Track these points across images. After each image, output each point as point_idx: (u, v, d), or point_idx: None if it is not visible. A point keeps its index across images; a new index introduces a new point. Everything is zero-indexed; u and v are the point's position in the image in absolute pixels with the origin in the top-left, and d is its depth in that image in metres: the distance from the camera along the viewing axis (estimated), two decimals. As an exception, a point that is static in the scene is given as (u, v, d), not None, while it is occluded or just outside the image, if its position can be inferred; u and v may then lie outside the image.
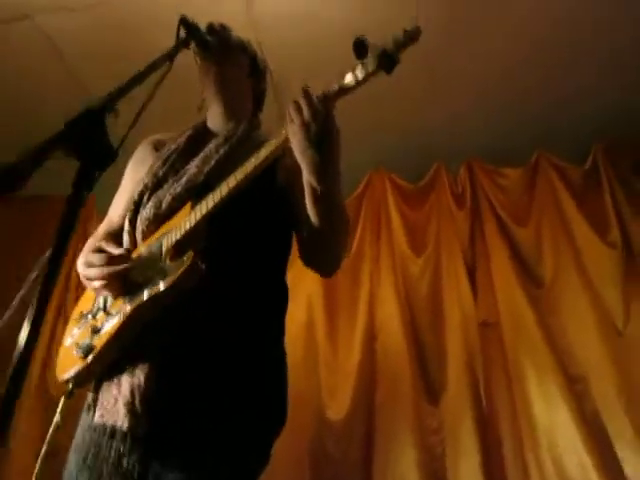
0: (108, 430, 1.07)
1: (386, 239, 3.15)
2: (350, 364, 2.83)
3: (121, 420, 1.05)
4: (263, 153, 1.10)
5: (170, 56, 1.07)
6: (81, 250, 1.26)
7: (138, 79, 0.92)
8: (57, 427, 1.11)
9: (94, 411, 1.09)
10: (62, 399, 1.12)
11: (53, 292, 0.64)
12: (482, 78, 2.86)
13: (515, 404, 2.57)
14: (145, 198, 1.24)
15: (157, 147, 1.41)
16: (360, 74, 1.02)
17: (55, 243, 0.63)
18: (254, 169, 1.10)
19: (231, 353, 1.12)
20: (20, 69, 2.86)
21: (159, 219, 1.20)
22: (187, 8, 2.46)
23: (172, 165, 1.29)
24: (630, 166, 3.03)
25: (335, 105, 1.08)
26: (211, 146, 1.30)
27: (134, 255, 1.19)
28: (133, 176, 1.38)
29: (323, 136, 1.04)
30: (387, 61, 0.99)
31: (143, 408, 1.05)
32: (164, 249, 1.13)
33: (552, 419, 2.48)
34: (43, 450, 1.11)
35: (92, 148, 0.68)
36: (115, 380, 1.10)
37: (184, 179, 1.23)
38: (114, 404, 1.07)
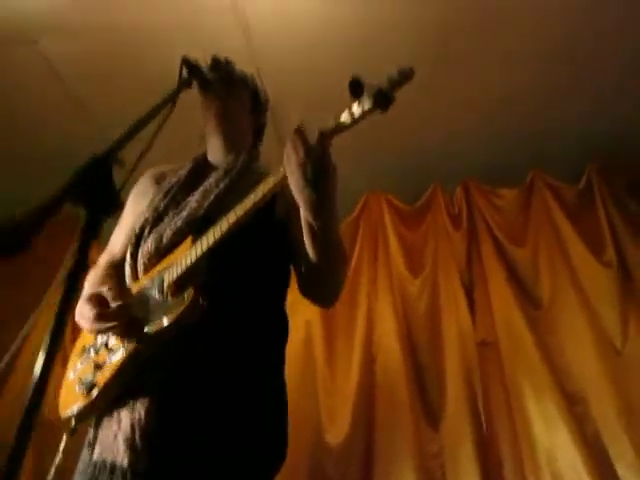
0: (108, 466, 1.06)
1: (383, 260, 3.17)
2: (349, 387, 2.82)
3: (121, 456, 1.05)
4: (261, 190, 1.11)
5: (173, 97, 1.08)
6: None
7: (142, 123, 0.93)
8: (59, 467, 1.10)
9: (94, 447, 1.09)
10: (64, 437, 1.12)
11: (66, 328, 0.65)
12: (479, 102, 2.90)
13: (515, 425, 2.57)
14: (146, 232, 1.26)
15: (158, 180, 1.42)
16: (357, 113, 1.03)
17: (65, 289, 0.64)
18: (253, 205, 1.11)
19: (231, 388, 1.12)
20: (20, 91, 2.88)
21: (160, 252, 1.21)
22: (186, 36, 2.54)
23: (173, 198, 1.31)
24: (624, 186, 3.06)
25: (331, 143, 1.09)
26: (211, 180, 1.31)
27: (136, 288, 1.20)
28: (134, 208, 1.39)
29: (319, 174, 1.06)
30: (383, 100, 1.01)
31: (143, 443, 1.05)
32: (166, 284, 1.14)
33: (552, 440, 2.47)
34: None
35: (99, 197, 0.69)
36: (115, 416, 1.10)
37: (185, 213, 1.25)
38: (114, 440, 1.07)
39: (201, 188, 1.30)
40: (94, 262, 1.41)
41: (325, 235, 1.13)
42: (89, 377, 1.12)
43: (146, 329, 1.08)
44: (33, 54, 2.66)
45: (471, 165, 3.24)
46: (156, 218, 1.27)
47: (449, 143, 3.13)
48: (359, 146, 2.84)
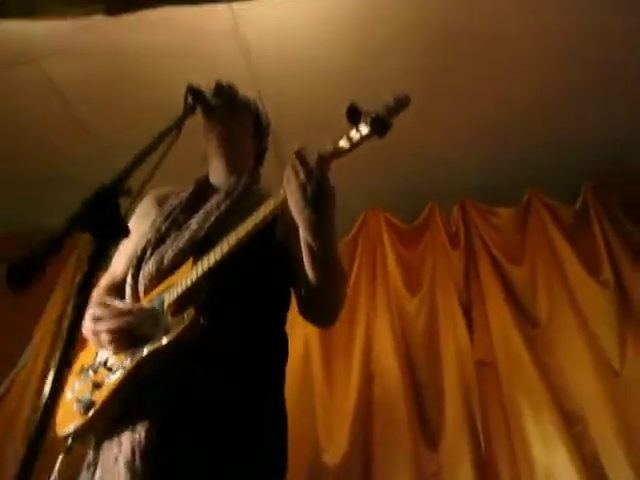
0: None
1: (382, 278, 3.17)
2: (347, 404, 2.81)
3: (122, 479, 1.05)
4: (262, 212, 1.14)
5: (178, 124, 1.11)
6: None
7: (148, 151, 0.96)
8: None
9: (94, 470, 1.10)
10: (60, 455, 1.12)
11: (74, 352, 0.67)
12: (475, 124, 2.94)
13: (514, 445, 2.55)
14: (148, 253, 1.28)
15: (160, 202, 1.45)
16: (355, 138, 1.06)
17: (73, 313, 0.66)
18: (254, 227, 1.14)
19: (230, 408, 1.13)
20: (22, 112, 2.91)
21: (161, 274, 1.23)
22: (187, 60, 2.59)
23: (174, 220, 1.33)
24: (620, 205, 3.09)
25: (330, 167, 1.12)
26: (213, 202, 1.34)
27: (136, 309, 1.21)
28: (137, 229, 1.40)
29: (319, 195, 1.09)
30: (380, 126, 1.04)
31: (143, 464, 1.05)
32: (166, 304, 1.16)
33: (551, 460, 2.46)
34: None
35: (106, 225, 0.72)
36: (115, 439, 1.10)
37: (186, 235, 1.27)
38: (114, 463, 1.07)
39: (202, 210, 1.32)
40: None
41: (324, 255, 1.15)
42: (87, 396, 1.13)
43: (145, 348, 1.09)
44: (36, 75, 2.69)
45: (468, 185, 3.27)
46: (158, 240, 1.29)
47: (446, 164, 3.16)
48: (357, 166, 2.88)
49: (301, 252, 1.17)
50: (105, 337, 1.16)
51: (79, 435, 1.13)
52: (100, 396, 1.11)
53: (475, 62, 2.63)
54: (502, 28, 2.48)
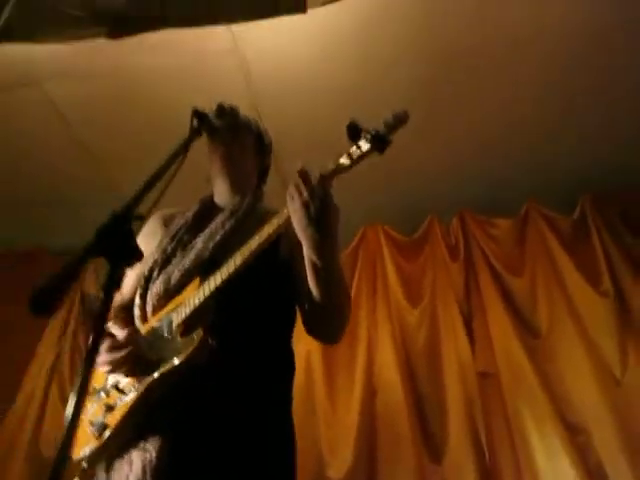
0: None
1: (382, 291, 3.19)
2: (350, 418, 2.81)
3: None
4: (266, 231, 1.16)
5: (185, 147, 1.14)
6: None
7: (156, 176, 0.98)
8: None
9: None
10: (75, 479, 1.13)
11: (92, 373, 0.69)
12: (473, 138, 2.97)
13: (518, 456, 2.56)
14: (155, 274, 1.30)
15: (166, 222, 1.47)
16: (355, 155, 1.10)
17: (92, 337, 0.69)
18: (258, 246, 1.16)
19: (239, 428, 1.14)
20: (25, 134, 2.94)
21: (169, 294, 1.25)
22: (188, 80, 2.62)
23: (180, 240, 1.36)
24: (617, 216, 3.11)
25: (332, 184, 1.15)
26: (217, 221, 1.37)
27: (145, 329, 1.23)
28: (143, 250, 1.43)
29: (322, 213, 1.11)
30: (380, 143, 1.07)
31: None
32: (174, 325, 1.18)
33: (555, 471, 2.46)
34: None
35: (120, 251, 0.74)
36: (126, 458, 1.12)
37: (192, 255, 1.29)
38: None
39: (207, 230, 1.35)
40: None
41: (328, 272, 1.17)
42: (100, 419, 1.14)
43: (156, 370, 1.11)
44: (38, 98, 2.72)
45: (466, 197, 3.30)
46: (164, 260, 1.32)
47: (444, 176, 3.19)
48: (356, 179, 2.90)
49: (305, 269, 1.19)
50: (104, 369, 1.18)
51: (94, 458, 1.14)
52: (113, 419, 1.13)
53: (472, 77, 2.66)
54: (502, 45, 2.53)
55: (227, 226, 1.34)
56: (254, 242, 1.17)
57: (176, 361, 1.09)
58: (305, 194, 1.10)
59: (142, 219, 0.83)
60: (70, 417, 0.63)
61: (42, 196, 3.24)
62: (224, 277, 1.16)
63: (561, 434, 2.51)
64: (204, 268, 1.24)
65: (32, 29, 2.30)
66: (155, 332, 1.21)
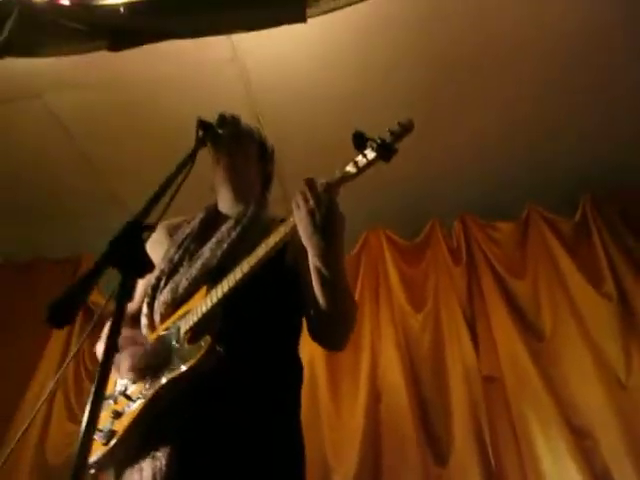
0: None
1: (385, 296, 3.20)
2: (355, 423, 2.81)
3: None
4: (273, 239, 1.18)
5: (191, 157, 1.16)
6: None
7: (165, 187, 1.00)
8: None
9: None
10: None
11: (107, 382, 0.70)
12: (473, 141, 2.99)
13: (523, 461, 2.55)
14: (162, 283, 1.31)
15: (171, 232, 1.49)
16: (361, 163, 1.11)
17: (106, 347, 0.70)
18: (265, 254, 1.17)
19: (246, 436, 1.14)
20: (26, 146, 2.96)
21: (176, 302, 1.27)
22: (188, 90, 2.64)
23: (187, 249, 1.37)
24: (618, 215, 3.12)
25: (339, 192, 1.16)
26: (223, 229, 1.38)
27: (152, 337, 1.24)
28: None
29: (328, 222, 1.12)
30: (385, 151, 1.09)
31: None
32: (182, 332, 1.19)
33: (561, 475, 2.45)
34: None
35: (132, 261, 0.76)
36: (136, 466, 1.12)
37: (199, 263, 1.30)
38: None
39: (214, 239, 1.36)
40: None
41: (334, 280, 1.18)
42: (108, 426, 1.15)
43: (164, 376, 1.12)
44: (39, 109, 2.74)
45: (467, 200, 3.31)
46: (171, 269, 1.33)
47: (445, 180, 3.21)
48: (358, 184, 2.91)
49: (310, 276, 1.21)
50: (121, 367, 1.19)
51: (101, 465, 1.15)
52: (121, 425, 1.14)
53: (472, 79, 2.68)
54: (502, 46, 2.55)
55: (233, 234, 1.35)
56: (261, 250, 1.18)
57: (183, 367, 1.10)
58: (311, 202, 1.12)
59: (152, 229, 0.85)
60: (85, 425, 0.64)
61: (43, 207, 3.26)
62: (231, 285, 1.17)
63: (566, 438, 2.51)
64: (211, 276, 1.25)
65: (33, 44, 2.32)
66: (163, 340, 1.22)
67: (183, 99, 2.63)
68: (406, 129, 1.10)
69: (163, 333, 1.24)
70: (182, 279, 1.29)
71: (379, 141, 1.08)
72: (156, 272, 1.34)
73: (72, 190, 3.16)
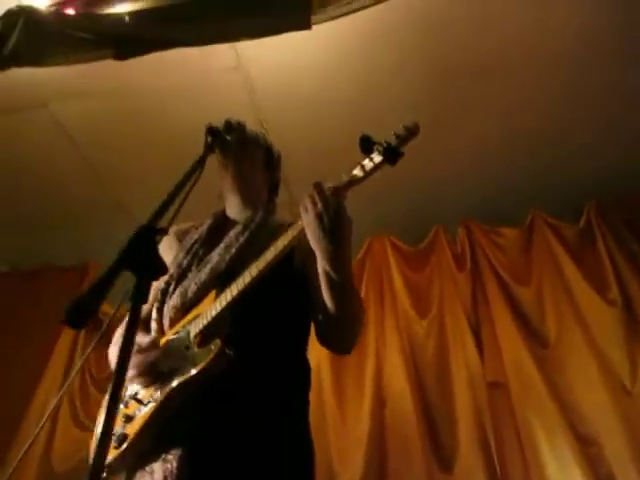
0: None
1: (390, 301, 3.20)
2: (360, 430, 2.80)
3: None
4: (281, 243, 1.19)
5: (200, 163, 1.17)
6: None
7: (175, 193, 1.01)
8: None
9: None
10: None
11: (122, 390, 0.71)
12: (477, 146, 3.00)
13: (528, 467, 2.54)
14: (171, 288, 1.32)
15: (180, 237, 1.50)
16: (368, 167, 1.13)
17: (120, 348, 0.71)
18: (274, 258, 1.18)
19: (256, 439, 1.14)
20: (32, 155, 2.98)
21: (185, 307, 1.28)
22: (193, 98, 2.66)
23: (195, 254, 1.38)
24: (622, 222, 3.12)
25: (346, 195, 1.17)
26: (231, 235, 1.39)
27: (162, 342, 1.25)
28: None
29: (335, 225, 1.13)
30: (392, 155, 1.10)
31: None
32: (192, 336, 1.20)
33: (567, 482, 2.46)
34: None
35: (146, 264, 0.77)
36: (147, 469, 1.13)
37: (208, 267, 1.31)
38: None
39: (222, 244, 1.37)
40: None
41: (342, 283, 1.19)
42: (119, 430, 1.16)
43: (175, 380, 1.13)
44: (44, 119, 2.77)
45: (472, 206, 3.32)
46: (180, 274, 1.34)
47: (449, 186, 3.22)
48: (362, 191, 2.92)
49: (319, 280, 1.21)
50: (131, 372, 1.20)
51: (113, 468, 1.15)
52: (132, 429, 1.14)
53: (476, 83, 2.69)
54: (506, 50, 2.56)
55: (241, 239, 1.36)
56: (269, 254, 1.19)
57: (194, 371, 1.11)
58: (319, 205, 1.13)
59: (165, 232, 0.86)
60: (101, 430, 0.65)
61: (49, 216, 3.28)
62: (240, 289, 1.18)
63: (571, 444, 2.50)
64: (220, 281, 1.26)
65: (39, 53, 2.33)
66: (173, 344, 1.23)
67: (188, 107, 2.65)
68: (412, 132, 1.11)
69: (173, 337, 1.25)
70: (191, 284, 1.30)
71: (385, 144, 1.10)
72: (165, 277, 1.35)
73: (78, 199, 3.18)
